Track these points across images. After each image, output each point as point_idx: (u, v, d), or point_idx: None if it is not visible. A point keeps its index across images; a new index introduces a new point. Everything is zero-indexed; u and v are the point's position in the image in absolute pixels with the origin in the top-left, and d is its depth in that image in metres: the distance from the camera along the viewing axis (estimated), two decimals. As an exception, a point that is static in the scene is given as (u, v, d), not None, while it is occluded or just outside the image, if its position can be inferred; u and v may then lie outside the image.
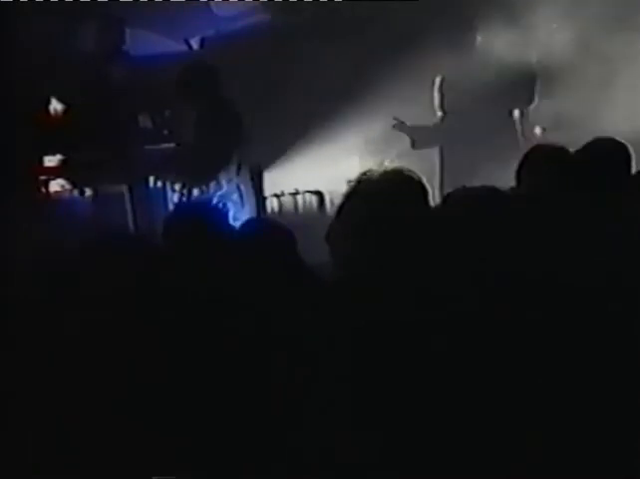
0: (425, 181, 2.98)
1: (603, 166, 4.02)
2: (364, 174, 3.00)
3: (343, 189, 3.05)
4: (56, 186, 8.30)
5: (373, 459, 2.64)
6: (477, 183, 3.10)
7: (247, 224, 3.68)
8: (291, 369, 2.78)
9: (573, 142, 4.36)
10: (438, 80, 8.86)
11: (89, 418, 2.84)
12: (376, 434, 2.65)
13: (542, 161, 4.17)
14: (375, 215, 2.88)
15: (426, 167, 7.40)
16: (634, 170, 4.32)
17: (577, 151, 4.15)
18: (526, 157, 4.25)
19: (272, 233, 3.65)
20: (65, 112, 8.45)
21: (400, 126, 9.01)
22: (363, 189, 2.94)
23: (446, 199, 3.10)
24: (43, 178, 8.27)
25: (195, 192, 7.67)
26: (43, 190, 8.27)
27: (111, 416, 2.84)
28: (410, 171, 2.98)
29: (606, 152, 4.12)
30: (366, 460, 2.63)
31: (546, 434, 2.66)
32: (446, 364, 2.69)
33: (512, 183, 4.09)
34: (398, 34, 8.93)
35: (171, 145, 8.51)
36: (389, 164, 7.86)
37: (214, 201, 7.02)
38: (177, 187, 7.92)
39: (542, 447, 2.65)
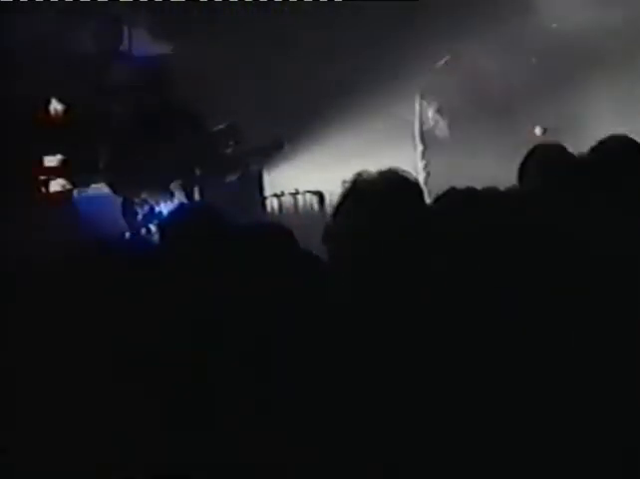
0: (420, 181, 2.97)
1: (618, 165, 3.95)
2: (359, 174, 3.00)
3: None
4: (56, 186, 8.31)
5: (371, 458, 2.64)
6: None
7: (246, 225, 3.67)
8: (288, 370, 2.78)
9: (574, 142, 4.34)
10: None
11: (88, 419, 2.84)
12: (375, 433, 2.66)
13: (544, 160, 4.15)
14: (371, 215, 2.88)
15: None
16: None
17: (591, 149, 4.09)
18: (528, 156, 4.23)
19: (272, 234, 3.64)
20: (65, 112, 8.46)
21: None
22: (358, 189, 2.94)
23: (442, 199, 3.08)
24: (43, 178, 8.28)
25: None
26: (43, 190, 8.28)
27: (110, 417, 2.84)
28: (405, 171, 2.98)
29: (621, 150, 4.06)
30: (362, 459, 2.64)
31: (548, 435, 2.66)
32: (445, 366, 2.68)
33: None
34: (398, 35, 8.93)
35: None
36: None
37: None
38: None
39: (543, 448, 2.65)
